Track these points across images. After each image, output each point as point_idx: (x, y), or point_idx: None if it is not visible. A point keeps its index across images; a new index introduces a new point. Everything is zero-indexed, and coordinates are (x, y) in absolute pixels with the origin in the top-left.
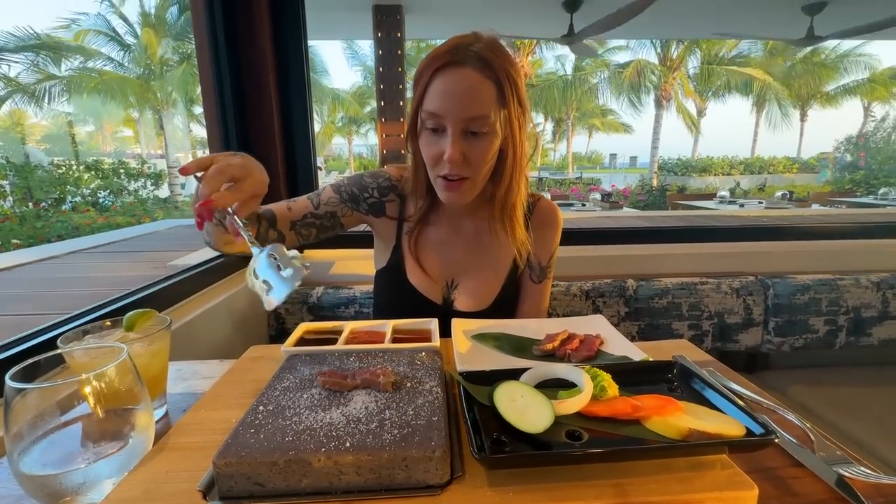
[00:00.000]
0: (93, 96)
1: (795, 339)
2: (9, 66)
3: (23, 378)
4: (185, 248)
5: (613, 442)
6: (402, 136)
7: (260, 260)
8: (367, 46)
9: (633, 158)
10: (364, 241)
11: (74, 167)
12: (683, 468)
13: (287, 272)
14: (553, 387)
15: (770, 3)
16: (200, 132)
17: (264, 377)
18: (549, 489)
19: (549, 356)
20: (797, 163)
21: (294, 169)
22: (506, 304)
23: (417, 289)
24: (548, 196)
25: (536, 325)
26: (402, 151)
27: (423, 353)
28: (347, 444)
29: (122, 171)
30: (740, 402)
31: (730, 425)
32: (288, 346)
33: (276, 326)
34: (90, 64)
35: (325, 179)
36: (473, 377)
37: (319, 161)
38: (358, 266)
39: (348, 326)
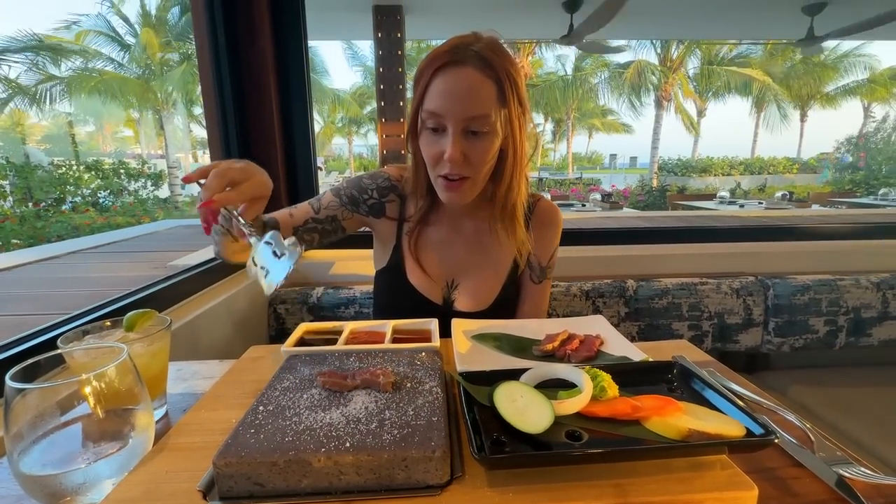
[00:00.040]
0: (93, 96)
1: (795, 340)
2: (9, 66)
3: (23, 378)
4: (185, 248)
5: (613, 442)
6: (403, 136)
7: (258, 248)
8: (367, 47)
9: (633, 159)
10: (364, 241)
11: (74, 167)
12: (683, 468)
13: (283, 256)
14: (553, 387)
15: (770, 4)
16: (200, 132)
17: (264, 377)
18: (549, 489)
19: (549, 356)
20: (797, 163)
21: (294, 169)
22: (506, 305)
23: (417, 289)
24: (548, 196)
25: (536, 326)
26: (403, 152)
27: (423, 354)
28: (347, 445)
29: (122, 171)
30: (740, 403)
31: (730, 426)
32: (288, 347)
33: (276, 326)
34: (91, 64)
35: (326, 180)
36: (473, 377)
37: (319, 161)
38: (358, 266)
39: (348, 327)
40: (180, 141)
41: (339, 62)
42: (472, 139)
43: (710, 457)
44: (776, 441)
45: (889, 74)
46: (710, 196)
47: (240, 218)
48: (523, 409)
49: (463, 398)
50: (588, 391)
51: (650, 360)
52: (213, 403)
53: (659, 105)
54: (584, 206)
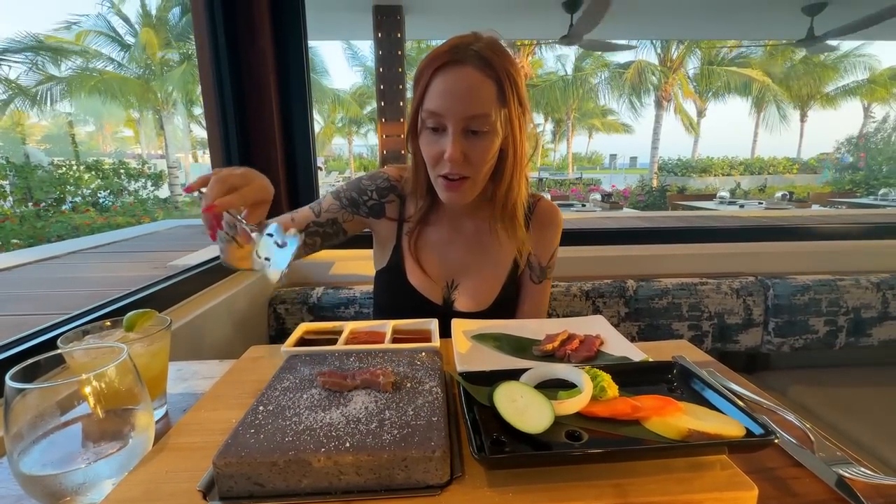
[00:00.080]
0: (93, 96)
1: (795, 340)
2: (9, 66)
3: (23, 378)
4: (185, 248)
5: (613, 442)
6: (403, 136)
7: (261, 242)
8: (367, 47)
9: (633, 159)
10: (364, 241)
11: (74, 167)
12: (683, 468)
13: (285, 245)
14: (553, 387)
15: (770, 4)
16: (200, 133)
17: (264, 377)
18: (549, 489)
19: (549, 356)
20: (797, 163)
21: (294, 169)
22: (506, 305)
23: (417, 289)
24: (548, 196)
25: (536, 326)
26: (403, 152)
27: (423, 354)
28: (347, 445)
29: (122, 171)
30: (740, 403)
31: (729, 426)
32: (288, 347)
33: (276, 326)
34: (91, 64)
35: (326, 180)
36: (473, 377)
37: (320, 161)
38: (358, 266)
39: (348, 327)
40: (180, 141)
41: (339, 62)
42: (472, 139)
43: (709, 457)
44: (776, 441)
45: (889, 74)
46: (710, 196)
47: (243, 220)
48: (523, 409)
49: (463, 398)
50: (588, 391)
51: (650, 360)
52: (213, 403)
53: (659, 105)
54: (584, 206)
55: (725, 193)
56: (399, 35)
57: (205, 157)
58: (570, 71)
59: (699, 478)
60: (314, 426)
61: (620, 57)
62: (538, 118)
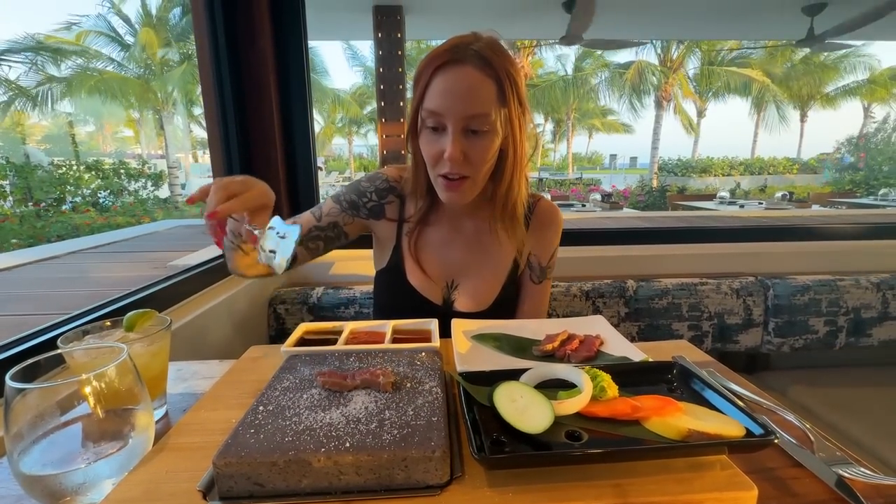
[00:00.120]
0: (93, 96)
1: (795, 340)
2: (9, 66)
3: (23, 378)
4: (185, 248)
5: (613, 442)
6: (403, 136)
7: (264, 236)
8: (367, 47)
9: (634, 159)
10: (364, 241)
11: (75, 167)
12: (683, 469)
13: (287, 235)
14: (553, 387)
15: (770, 4)
16: (200, 133)
17: (264, 377)
18: (549, 489)
19: (549, 357)
20: (797, 163)
21: (294, 169)
22: (506, 305)
23: (417, 289)
24: (548, 196)
25: (536, 326)
26: (403, 152)
27: (423, 354)
28: (347, 445)
29: (122, 171)
30: (740, 403)
31: (729, 426)
32: (288, 347)
33: (276, 326)
34: (91, 64)
35: (326, 180)
36: (473, 377)
37: (320, 161)
38: (358, 266)
39: (348, 327)
40: (180, 141)
41: (339, 62)
42: (472, 138)
43: (709, 457)
44: (776, 441)
45: (889, 74)
46: (710, 196)
47: (246, 224)
48: (523, 409)
49: (463, 398)
50: (588, 391)
51: (650, 360)
52: (213, 403)
53: (659, 105)
54: (584, 206)
55: (725, 193)
56: (399, 35)
57: (205, 158)
58: (570, 71)
59: (699, 478)
60: (314, 426)
61: (620, 57)
62: (538, 118)
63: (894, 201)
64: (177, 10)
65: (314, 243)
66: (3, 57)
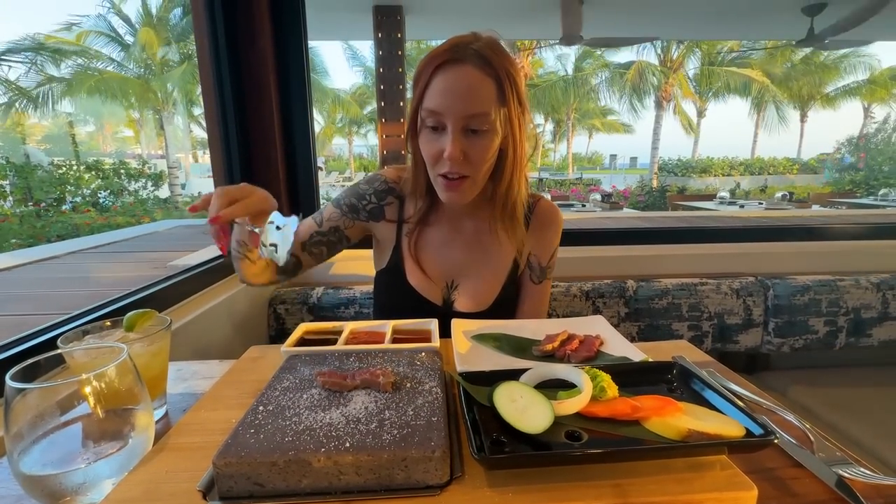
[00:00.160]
0: (93, 96)
1: (795, 340)
2: (9, 66)
3: (23, 378)
4: (185, 248)
5: (613, 442)
6: (403, 136)
7: (265, 232)
8: (367, 47)
9: (634, 159)
10: (364, 241)
11: (75, 167)
12: (683, 469)
13: (286, 227)
14: (553, 387)
15: (770, 5)
16: (200, 133)
17: (264, 377)
18: (549, 490)
19: (549, 357)
20: (797, 164)
21: (294, 169)
22: (506, 305)
23: (417, 290)
24: (548, 197)
25: (536, 326)
26: (403, 152)
27: (423, 354)
28: (347, 445)
29: (122, 171)
30: (740, 403)
31: (729, 426)
32: (288, 347)
33: (276, 326)
34: (91, 64)
35: (326, 180)
36: (473, 377)
37: (320, 161)
38: (358, 266)
39: (348, 327)
40: (180, 141)
41: (339, 62)
42: (472, 137)
43: (709, 457)
44: (776, 441)
45: (889, 74)
46: (710, 196)
47: (248, 225)
48: (523, 409)
49: (463, 398)
50: (588, 391)
51: (650, 360)
52: (213, 403)
53: (659, 106)
54: (584, 206)
55: (725, 194)
56: (399, 35)
57: (205, 158)
58: (570, 71)
59: (699, 478)
60: (314, 426)
61: (621, 57)
62: (538, 118)
63: (894, 201)
64: (177, 11)
65: (317, 248)
66: (3, 57)
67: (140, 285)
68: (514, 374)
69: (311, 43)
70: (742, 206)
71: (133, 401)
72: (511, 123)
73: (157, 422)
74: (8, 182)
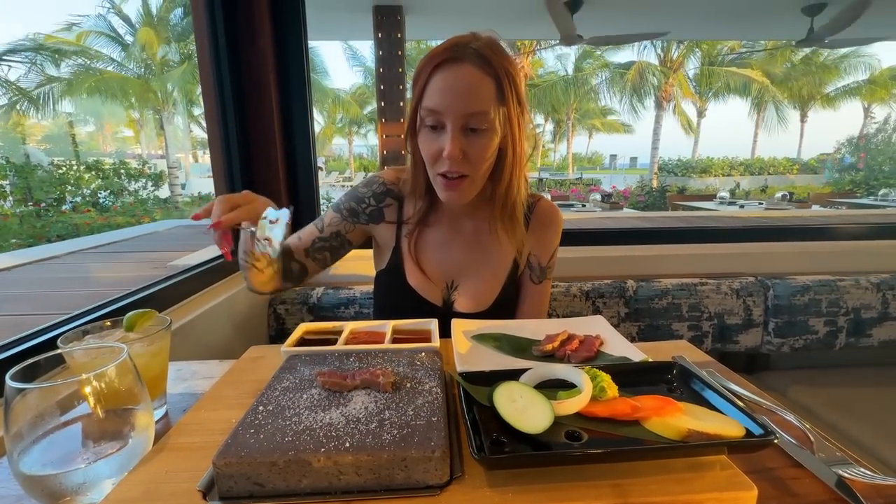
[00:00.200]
0: (93, 96)
1: (795, 340)
2: (9, 66)
3: (23, 378)
4: (185, 248)
5: (613, 442)
6: (403, 136)
7: (260, 227)
8: (367, 47)
9: (634, 159)
10: (366, 242)
11: (75, 167)
12: (683, 469)
13: (277, 221)
14: (553, 387)
15: (770, 5)
16: (201, 133)
17: (264, 377)
18: (549, 490)
19: (549, 357)
20: (797, 164)
21: (294, 169)
22: (506, 305)
23: (417, 291)
24: (548, 197)
25: (536, 326)
26: (403, 152)
27: (423, 354)
28: (347, 445)
29: (122, 171)
30: (740, 403)
31: (729, 426)
32: (288, 347)
33: (276, 326)
34: (91, 64)
35: (326, 180)
36: (473, 378)
37: (320, 161)
38: (358, 266)
39: (348, 327)
40: (180, 141)
41: (339, 62)
42: (471, 136)
43: (709, 457)
44: (776, 441)
45: (889, 74)
46: (710, 196)
47: (249, 228)
48: (523, 409)
49: (463, 398)
50: (588, 391)
51: (650, 360)
52: (213, 403)
53: (659, 106)
54: (584, 206)
55: (725, 194)
56: (399, 35)
57: (205, 158)
58: (570, 71)
59: (699, 478)
60: (314, 426)
61: (621, 57)
62: (538, 118)
63: (894, 201)
64: (177, 11)
65: (321, 254)
66: (3, 58)
67: (140, 285)
68: (514, 374)
69: (311, 43)
70: (742, 207)
71: (133, 401)
72: (510, 123)
73: (157, 422)
74: (8, 182)
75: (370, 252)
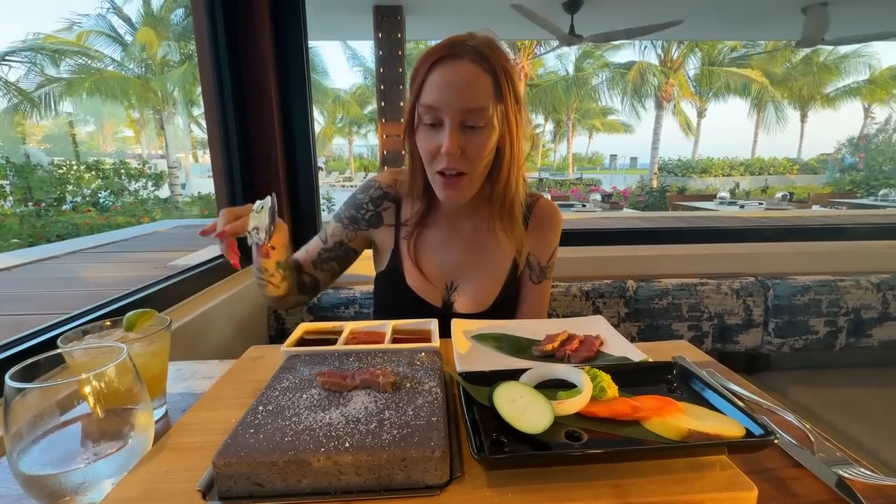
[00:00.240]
0: (93, 96)
1: (795, 341)
2: (9, 66)
3: (23, 378)
4: (185, 248)
5: (613, 443)
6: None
7: (248, 219)
8: (367, 47)
9: (634, 159)
10: (368, 246)
11: (75, 167)
12: (683, 469)
13: (262, 210)
14: (553, 387)
15: (770, 5)
16: (201, 133)
17: (264, 377)
18: (549, 490)
19: (549, 357)
20: (797, 164)
21: (294, 169)
22: (506, 305)
23: (416, 292)
24: (548, 196)
25: (536, 326)
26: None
27: (423, 354)
28: (347, 445)
29: (122, 171)
30: (740, 403)
31: (729, 426)
32: (288, 347)
33: (276, 326)
34: (92, 64)
35: (326, 180)
36: (473, 378)
37: (320, 161)
38: (358, 266)
39: (348, 327)
40: (181, 141)
41: (339, 62)
42: (470, 133)
43: (709, 457)
44: (776, 441)
45: (889, 74)
46: (711, 197)
47: (250, 232)
48: (523, 409)
49: (462, 398)
50: (588, 391)
51: (650, 360)
52: (213, 403)
53: (659, 106)
54: (584, 206)
55: (725, 194)
56: (399, 35)
57: (205, 158)
58: (570, 71)
59: (699, 478)
60: (314, 426)
61: (621, 57)
62: (538, 118)
63: (894, 202)
64: (178, 11)
65: (328, 265)
66: (4, 59)
67: (140, 285)
68: (514, 374)
69: (311, 43)
70: (742, 207)
71: (133, 401)
72: (508, 120)
73: (156, 422)
74: (8, 182)
75: (370, 252)
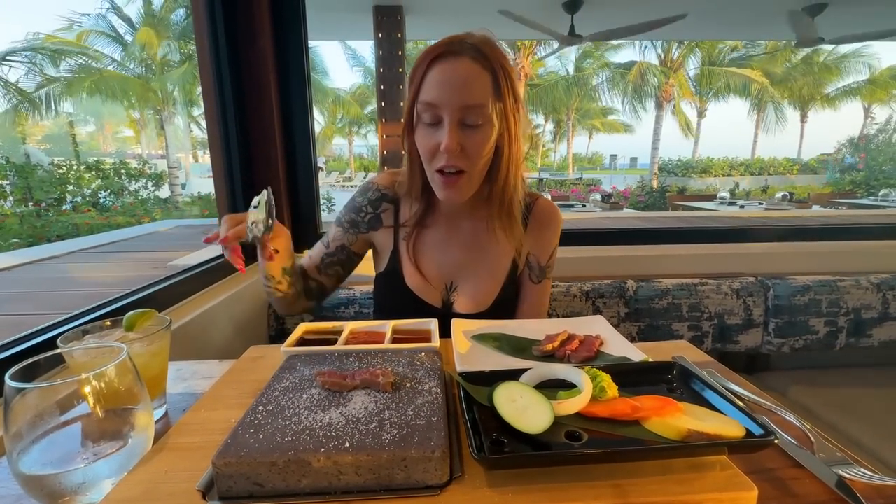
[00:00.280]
0: (93, 96)
1: (795, 341)
2: (9, 66)
3: (23, 378)
4: (185, 248)
5: (613, 443)
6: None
7: (247, 215)
8: (367, 47)
9: (634, 159)
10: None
11: (75, 167)
12: (683, 469)
13: (259, 205)
14: (553, 387)
15: (770, 4)
16: (201, 133)
17: (264, 377)
18: (549, 490)
19: (549, 357)
20: (798, 164)
21: (294, 168)
22: (505, 305)
23: (416, 293)
24: (548, 196)
25: (536, 326)
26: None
27: (423, 354)
28: (347, 445)
29: (122, 171)
30: (740, 403)
31: (729, 426)
32: (288, 347)
33: (276, 326)
34: (92, 64)
35: (326, 180)
36: (473, 378)
37: (320, 161)
38: (358, 266)
39: (348, 327)
40: (181, 141)
41: (339, 62)
42: (468, 131)
43: (709, 457)
44: (776, 442)
45: (889, 74)
46: (711, 197)
47: (250, 227)
48: (523, 409)
49: (462, 398)
50: (588, 391)
51: (650, 360)
52: (213, 403)
53: (659, 106)
54: (584, 206)
55: (725, 194)
56: (399, 35)
57: (205, 158)
58: (571, 71)
59: (699, 478)
60: (314, 426)
61: (621, 57)
62: (539, 118)
63: (894, 202)
64: (178, 11)
65: (332, 269)
66: (4, 59)
67: (140, 285)
68: (514, 374)
69: (311, 43)
70: (742, 207)
71: (132, 401)
72: (507, 119)
73: (156, 422)
74: (8, 182)
75: (370, 252)
